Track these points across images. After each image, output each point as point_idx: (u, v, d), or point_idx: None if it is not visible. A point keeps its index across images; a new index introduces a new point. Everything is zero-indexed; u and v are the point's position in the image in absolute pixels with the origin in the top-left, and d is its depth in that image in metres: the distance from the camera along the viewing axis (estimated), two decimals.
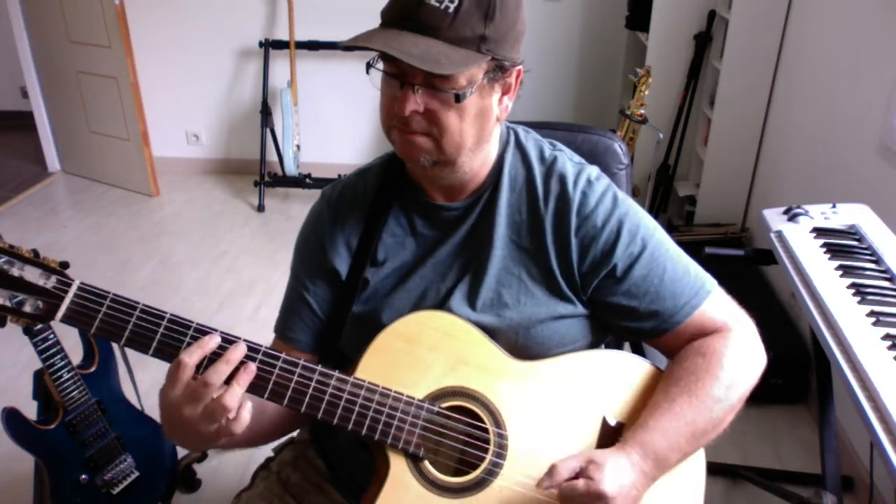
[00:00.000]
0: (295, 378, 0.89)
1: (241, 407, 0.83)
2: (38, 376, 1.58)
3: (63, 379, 1.55)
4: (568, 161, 1.02)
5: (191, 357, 0.83)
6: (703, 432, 0.93)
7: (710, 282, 1.01)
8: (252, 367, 0.86)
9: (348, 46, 0.84)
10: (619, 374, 0.99)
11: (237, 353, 0.85)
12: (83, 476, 1.61)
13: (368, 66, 0.90)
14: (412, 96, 0.86)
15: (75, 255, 3.30)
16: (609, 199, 0.99)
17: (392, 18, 0.86)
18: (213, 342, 0.85)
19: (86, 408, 1.59)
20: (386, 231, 1.03)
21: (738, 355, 0.97)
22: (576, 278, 0.99)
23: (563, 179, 0.99)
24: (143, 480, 1.71)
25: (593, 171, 1.02)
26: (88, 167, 4.15)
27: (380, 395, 0.91)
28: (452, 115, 0.88)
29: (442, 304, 0.99)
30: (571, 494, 0.84)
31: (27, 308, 0.83)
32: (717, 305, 1.00)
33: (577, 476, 0.85)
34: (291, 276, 1.09)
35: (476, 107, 0.89)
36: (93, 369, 1.64)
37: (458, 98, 0.86)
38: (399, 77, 0.86)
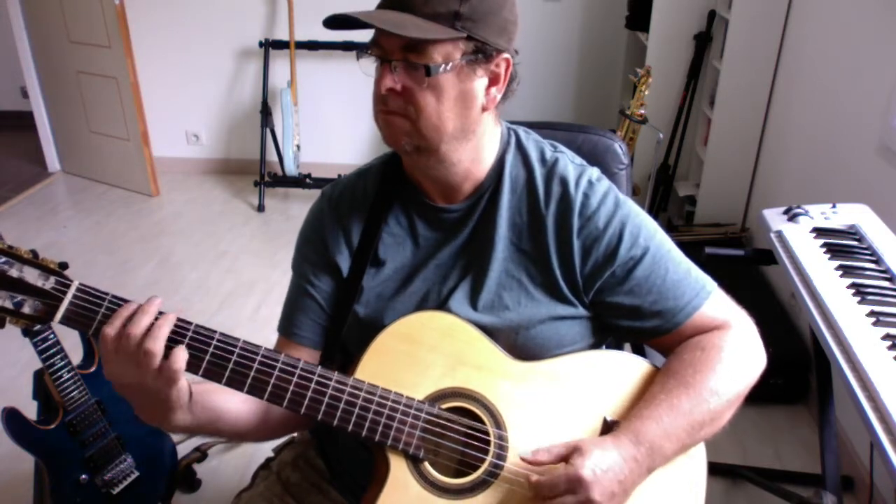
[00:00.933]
0: (294, 380, 0.89)
1: (173, 357, 0.83)
2: (38, 376, 1.57)
3: (63, 379, 1.55)
4: (569, 163, 1.02)
5: (112, 328, 0.82)
6: (700, 424, 0.93)
7: (710, 283, 1.01)
8: (171, 315, 0.84)
9: (331, 25, 0.87)
10: (620, 374, 0.99)
11: (153, 305, 0.84)
12: (83, 476, 1.61)
13: (358, 53, 0.92)
14: (389, 74, 0.88)
15: (75, 255, 3.30)
16: (611, 200, 0.99)
17: (380, 2, 0.90)
18: (128, 309, 0.84)
19: (86, 408, 1.59)
20: (386, 231, 1.03)
21: (737, 351, 0.97)
22: (578, 280, 0.99)
23: (564, 181, 0.99)
24: (143, 480, 1.71)
25: (594, 172, 1.02)
26: (88, 167, 4.15)
27: (380, 396, 0.91)
28: (428, 95, 0.88)
29: (442, 306, 0.99)
30: (553, 481, 0.85)
31: (26, 309, 0.83)
32: (718, 305, 1.00)
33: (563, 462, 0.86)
34: (294, 274, 1.09)
35: (455, 89, 0.90)
36: (93, 369, 1.63)
37: (429, 71, 0.87)
38: (379, 57, 0.89)
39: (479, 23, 0.88)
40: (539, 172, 1.01)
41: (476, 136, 0.97)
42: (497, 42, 0.90)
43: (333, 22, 0.88)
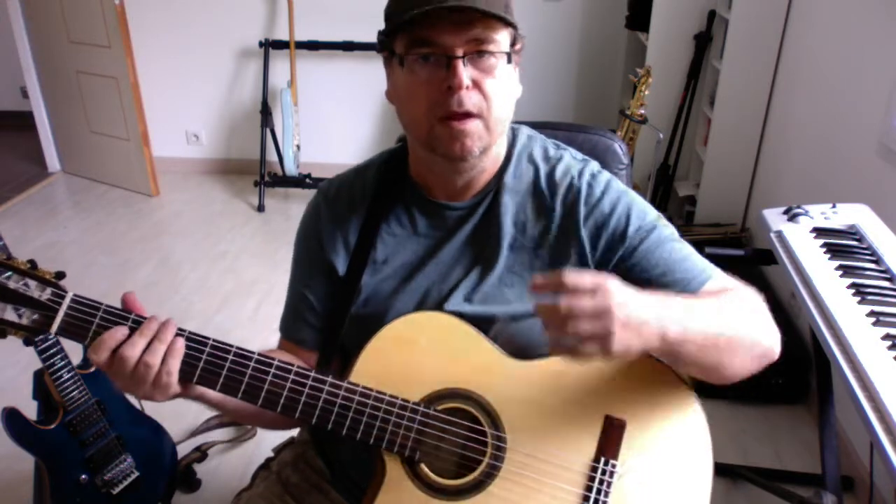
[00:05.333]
0: (288, 385, 0.89)
1: (164, 371, 0.84)
2: (38, 376, 1.58)
3: (63, 379, 1.55)
4: (572, 159, 1.03)
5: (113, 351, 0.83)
6: (714, 337, 0.86)
7: (710, 266, 1.00)
8: (170, 326, 0.85)
9: (406, 22, 0.83)
10: (622, 369, 0.98)
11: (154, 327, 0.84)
12: (83, 476, 1.61)
13: (401, 59, 0.88)
14: (462, 69, 0.85)
15: (75, 256, 3.30)
16: (614, 188, 1.00)
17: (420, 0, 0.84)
18: (119, 333, 0.84)
19: (86, 408, 1.59)
20: (386, 230, 1.03)
21: (752, 301, 0.95)
22: (590, 268, 0.98)
23: (568, 176, 1.00)
24: (143, 480, 1.71)
25: (595, 165, 1.03)
26: (88, 167, 4.15)
27: (374, 399, 0.91)
28: (497, 85, 0.88)
29: (444, 303, 0.99)
30: (579, 277, 0.76)
31: (24, 320, 0.83)
32: (723, 280, 0.98)
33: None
34: (292, 273, 1.09)
35: (509, 78, 0.91)
36: (93, 369, 1.63)
37: (509, 58, 0.88)
38: (442, 56, 0.85)
39: (511, 8, 0.89)
40: (543, 170, 1.01)
41: (503, 138, 0.98)
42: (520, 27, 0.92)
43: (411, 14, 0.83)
